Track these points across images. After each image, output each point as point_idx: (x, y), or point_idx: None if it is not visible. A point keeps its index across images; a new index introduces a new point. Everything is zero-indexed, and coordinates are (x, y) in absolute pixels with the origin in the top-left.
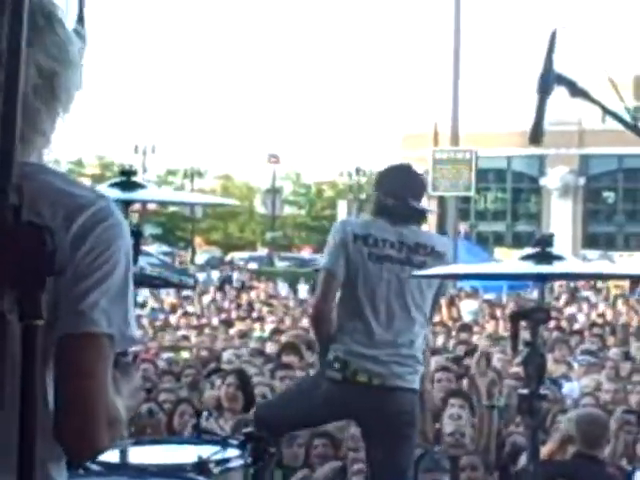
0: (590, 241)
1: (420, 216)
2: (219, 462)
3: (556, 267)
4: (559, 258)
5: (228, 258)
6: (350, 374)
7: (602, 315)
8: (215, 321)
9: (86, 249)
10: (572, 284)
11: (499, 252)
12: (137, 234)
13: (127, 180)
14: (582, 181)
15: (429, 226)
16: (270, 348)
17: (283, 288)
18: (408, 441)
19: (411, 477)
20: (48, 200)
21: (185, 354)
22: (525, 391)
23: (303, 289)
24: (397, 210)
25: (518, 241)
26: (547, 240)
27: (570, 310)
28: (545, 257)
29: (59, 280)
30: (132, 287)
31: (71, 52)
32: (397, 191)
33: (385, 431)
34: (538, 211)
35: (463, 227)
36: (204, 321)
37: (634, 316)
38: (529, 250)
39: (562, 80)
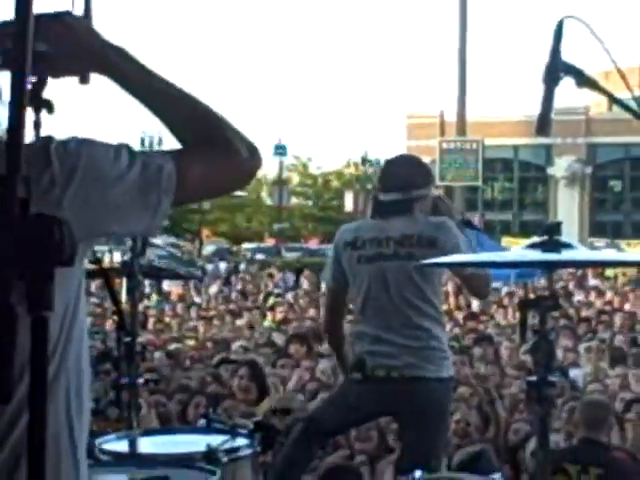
0: (597, 229)
1: (402, 206)
2: (228, 451)
3: (564, 255)
4: (567, 246)
5: (235, 249)
6: (369, 371)
7: (610, 303)
8: (222, 311)
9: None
10: (579, 272)
11: (506, 241)
12: None
13: None
14: (589, 170)
15: None
16: (279, 339)
17: (290, 279)
18: (437, 430)
19: (440, 463)
20: None
21: (191, 342)
22: (534, 378)
23: (310, 279)
24: (398, 203)
25: (525, 230)
26: (555, 228)
27: (578, 298)
28: (553, 245)
29: None
30: None
31: None
32: (398, 183)
33: (414, 422)
34: (545, 200)
35: (474, 217)
36: (212, 312)
37: None
38: (536, 238)
39: (569, 69)
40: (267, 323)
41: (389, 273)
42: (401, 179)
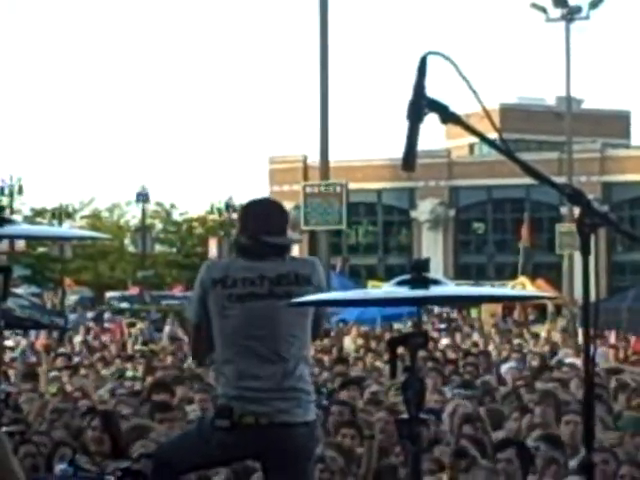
0: (462, 272)
1: (281, 250)
2: None
3: (432, 290)
4: (435, 282)
5: (99, 297)
6: (237, 418)
7: (476, 344)
8: (87, 361)
9: None
10: (445, 314)
11: (372, 285)
12: (7, 271)
13: None
14: (452, 213)
15: None
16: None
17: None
18: (304, 473)
19: None
20: None
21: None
22: (405, 416)
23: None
24: (253, 248)
25: (390, 274)
26: (422, 265)
27: (444, 341)
28: (421, 281)
29: None
30: None
31: None
32: (251, 229)
33: (282, 467)
34: (409, 243)
35: (337, 261)
36: (76, 361)
37: (506, 345)
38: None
39: (433, 105)
40: (130, 372)
41: (261, 312)
42: (264, 225)
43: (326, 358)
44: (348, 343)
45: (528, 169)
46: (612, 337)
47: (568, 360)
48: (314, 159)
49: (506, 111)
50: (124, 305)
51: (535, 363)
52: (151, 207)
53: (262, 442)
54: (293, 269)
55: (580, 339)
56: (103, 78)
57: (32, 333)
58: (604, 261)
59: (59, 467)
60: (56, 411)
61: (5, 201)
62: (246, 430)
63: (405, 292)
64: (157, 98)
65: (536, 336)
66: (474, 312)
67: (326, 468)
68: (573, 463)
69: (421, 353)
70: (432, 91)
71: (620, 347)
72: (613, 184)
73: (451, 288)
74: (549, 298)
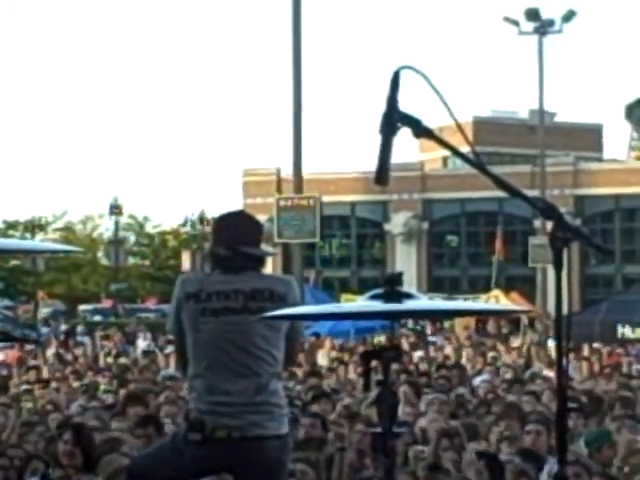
0: (435, 285)
1: (257, 262)
2: None
3: (406, 304)
4: (408, 296)
5: (72, 310)
6: (209, 432)
7: (448, 357)
8: (59, 374)
9: None
10: (419, 327)
11: (345, 298)
12: None
13: None
14: (425, 225)
15: (275, 272)
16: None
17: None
18: None
19: None
20: None
21: (29, 405)
22: (378, 429)
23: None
24: (230, 259)
25: (364, 286)
26: (395, 278)
27: (417, 354)
28: (395, 295)
29: None
30: None
31: None
32: (228, 240)
33: (254, 478)
34: (383, 256)
35: (311, 274)
36: (47, 375)
37: (479, 358)
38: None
39: (406, 119)
40: (104, 386)
41: (236, 327)
42: (238, 236)
43: (299, 371)
44: (321, 356)
45: (500, 183)
46: (585, 350)
47: (542, 373)
48: (287, 172)
49: (479, 124)
50: (97, 318)
51: (508, 376)
52: (124, 220)
53: (235, 456)
54: (268, 286)
55: (552, 352)
56: (76, 91)
57: (2, 346)
58: (577, 274)
59: None
60: (26, 424)
61: None
62: (218, 444)
63: (379, 306)
64: (130, 111)
65: (511, 349)
66: (447, 324)
67: None
68: (543, 475)
69: (394, 366)
70: (405, 105)
71: (593, 360)
72: (585, 197)
73: (424, 302)
74: (522, 312)
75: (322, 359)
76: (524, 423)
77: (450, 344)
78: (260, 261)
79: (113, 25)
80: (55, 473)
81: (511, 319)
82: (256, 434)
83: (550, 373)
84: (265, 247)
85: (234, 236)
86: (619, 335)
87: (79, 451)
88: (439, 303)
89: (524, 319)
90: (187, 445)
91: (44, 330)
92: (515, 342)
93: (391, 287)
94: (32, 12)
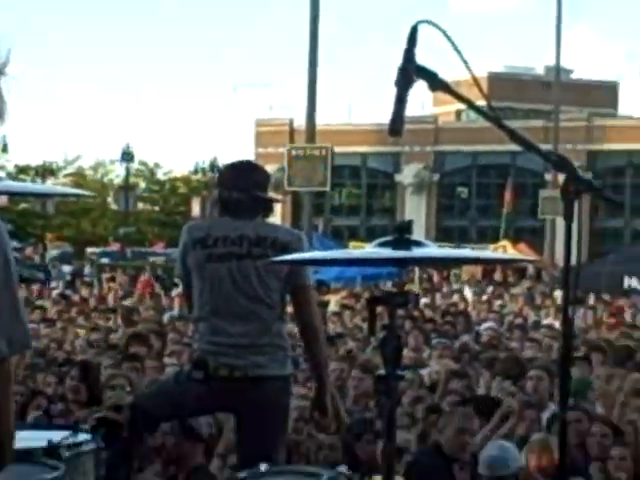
0: (444, 235)
1: (266, 206)
2: (70, 446)
3: (414, 252)
4: (417, 244)
5: (80, 253)
6: (212, 371)
7: (455, 305)
8: (66, 314)
9: None
10: (425, 275)
11: (353, 246)
12: None
13: None
14: (436, 177)
15: (285, 220)
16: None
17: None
18: (277, 427)
19: (281, 458)
20: None
21: (34, 344)
22: (382, 372)
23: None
24: (241, 203)
25: (372, 235)
26: (405, 226)
27: (423, 301)
28: (403, 242)
29: None
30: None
31: None
32: (239, 183)
33: (255, 420)
34: (392, 206)
35: (320, 222)
36: (54, 314)
37: (485, 306)
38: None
39: (422, 72)
40: (111, 324)
41: (240, 272)
42: (247, 181)
43: None
44: (333, 304)
45: (515, 136)
46: (591, 299)
47: (546, 322)
48: (300, 123)
49: (494, 79)
50: (105, 260)
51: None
52: (135, 166)
53: (236, 395)
54: (273, 234)
55: (559, 302)
56: (88, 35)
57: None
58: (586, 227)
59: (32, 415)
60: (30, 366)
61: None
62: (220, 382)
63: (387, 253)
64: (144, 56)
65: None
66: (454, 274)
67: (300, 417)
68: (543, 421)
69: (401, 312)
70: (421, 58)
71: (599, 309)
72: (598, 152)
73: (433, 250)
74: (529, 261)
75: (334, 307)
76: (524, 371)
77: (456, 293)
78: (268, 207)
79: None
80: (58, 407)
81: (517, 270)
82: (258, 374)
83: (556, 323)
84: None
85: (244, 181)
86: (625, 286)
87: (84, 387)
88: (448, 251)
89: (531, 269)
90: (190, 383)
91: (52, 271)
92: (516, 290)
93: (400, 235)
94: None
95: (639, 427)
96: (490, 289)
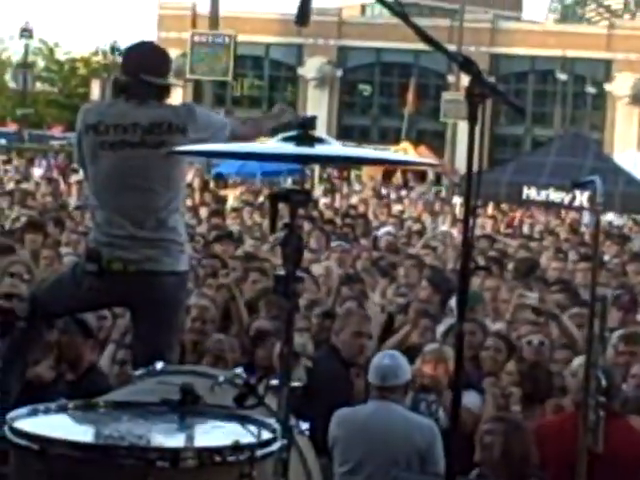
0: (345, 133)
1: (160, 92)
2: None
3: (318, 149)
4: (321, 140)
5: None
6: (105, 264)
7: (354, 207)
8: None
9: None
10: (326, 175)
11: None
12: None
13: None
14: (339, 73)
15: None
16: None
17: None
18: (171, 323)
19: (174, 355)
20: None
21: None
22: (282, 272)
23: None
24: (131, 87)
25: (274, 129)
26: (309, 122)
27: (323, 201)
28: (307, 139)
29: None
30: None
31: None
32: (132, 68)
33: (149, 314)
34: (294, 100)
35: (221, 113)
36: None
37: (384, 209)
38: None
39: None
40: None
41: (133, 161)
42: (144, 64)
43: (203, 211)
44: (232, 199)
45: (421, 34)
46: (490, 208)
47: (443, 229)
48: (204, 8)
49: None
50: (1, 142)
51: (413, 229)
52: (34, 44)
53: (130, 289)
54: (167, 118)
55: (457, 209)
56: None
57: None
58: (487, 133)
59: None
60: None
61: None
62: (115, 276)
63: (291, 149)
64: None
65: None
66: (354, 174)
67: (199, 317)
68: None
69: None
70: None
71: (497, 218)
72: (501, 56)
73: (337, 148)
74: (433, 165)
75: (233, 202)
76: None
77: (356, 194)
78: (164, 91)
79: None
80: None
81: (417, 173)
82: (152, 269)
83: (454, 231)
84: (171, 79)
85: (139, 65)
86: (524, 196)
87: None
88: (352, 150)
89: (431, 174)
90: (85, 276)
91: None
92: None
93: (304, 131)
94: None
95: (531, 342)
96: (390, 193)
